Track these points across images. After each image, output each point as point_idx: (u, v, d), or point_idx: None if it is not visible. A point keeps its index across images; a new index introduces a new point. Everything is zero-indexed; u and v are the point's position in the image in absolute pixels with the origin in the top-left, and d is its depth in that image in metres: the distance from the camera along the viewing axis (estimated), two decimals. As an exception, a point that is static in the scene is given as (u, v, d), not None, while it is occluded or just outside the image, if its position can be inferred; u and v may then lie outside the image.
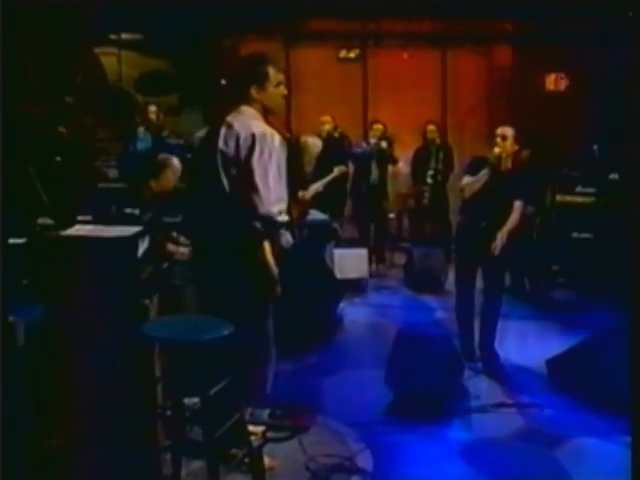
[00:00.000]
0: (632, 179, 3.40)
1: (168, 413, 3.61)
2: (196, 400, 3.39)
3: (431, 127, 9.75)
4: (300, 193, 4.11)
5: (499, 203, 5.51)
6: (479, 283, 5.75)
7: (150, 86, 8.75)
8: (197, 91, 9.56)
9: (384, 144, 9.26)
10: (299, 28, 11.07)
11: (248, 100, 3.81)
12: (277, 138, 3.66)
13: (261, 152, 3.61)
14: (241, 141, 3.65)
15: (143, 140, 8.10)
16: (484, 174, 5.44)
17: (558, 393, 5.12)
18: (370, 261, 9.03)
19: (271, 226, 3.63)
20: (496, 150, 5.47)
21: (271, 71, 3.81)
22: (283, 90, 3.89)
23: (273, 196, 3.59)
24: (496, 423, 4.70)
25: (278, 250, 3.72)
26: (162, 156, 5.26)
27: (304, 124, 9.20)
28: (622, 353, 4.66)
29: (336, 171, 5.01)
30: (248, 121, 3.73)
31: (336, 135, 9.50)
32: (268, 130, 3.69)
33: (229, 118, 3.80)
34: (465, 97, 11.09)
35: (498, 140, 5.49)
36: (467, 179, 5.61)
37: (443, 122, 10.86)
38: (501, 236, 5.41)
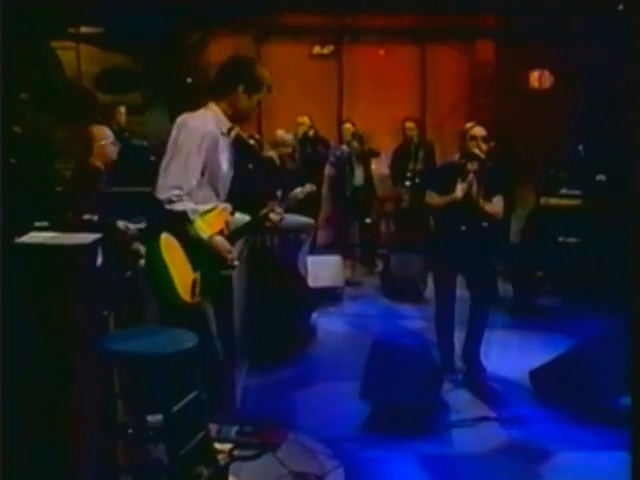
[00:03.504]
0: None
1: (129, 431, 3.59)
2: (159, 417, 3.38)
3: (409, 124, 9.74)
4: (278, 209, 4.13)
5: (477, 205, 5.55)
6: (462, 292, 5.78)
7: (112, 83, 8.71)
8: (162, 89, 9.53)
9: (355, 143, 9.33)
10: (270, 23, 11.06)
11: (224, 97, 3.90)
12: (200, 130, 3.74)
13: (175, 138, 3.75)
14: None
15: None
16: (453, 197, 5.49)
17: (543, 406, 5.14)
18: (353, 267, 9.10)
19: (167, 213, 3.64)
20: (476, 151, 5.53)
21: (266, 84, 3.95)
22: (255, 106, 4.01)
23: (168, 182, 3.65)
24: (478, 438, 4.71)
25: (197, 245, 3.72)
26: (81, 130, 5.29)
27: (276, 124, 9.18)
28: (610, 363, 4.72)
29: (307, 187, 5.08)
30: (193, 113, 3.86)
31: (311, 136, 9.55)
32: (195, 121, 3.79)
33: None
34: (445, 95, 11.16)
35: (475, 143, 5.55)
36: (434, 197, 5.66)
37: (422, 120, 10.89)
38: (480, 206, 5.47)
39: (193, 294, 3.72)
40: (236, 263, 3.90)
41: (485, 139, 5.56)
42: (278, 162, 7.55)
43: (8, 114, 3.60)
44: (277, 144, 7.77)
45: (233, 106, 3.89)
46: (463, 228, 5.49)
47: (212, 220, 3.76)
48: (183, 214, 3.61)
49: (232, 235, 3.92)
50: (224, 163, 3.89)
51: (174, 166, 3.67)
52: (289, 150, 7.85)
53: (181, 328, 3.51)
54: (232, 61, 4.06)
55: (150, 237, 3.71)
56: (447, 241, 5.62)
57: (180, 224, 3.62)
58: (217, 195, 3.90)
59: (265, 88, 3.94)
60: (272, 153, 7.55)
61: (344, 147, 9.55)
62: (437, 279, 5.87)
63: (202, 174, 3.76)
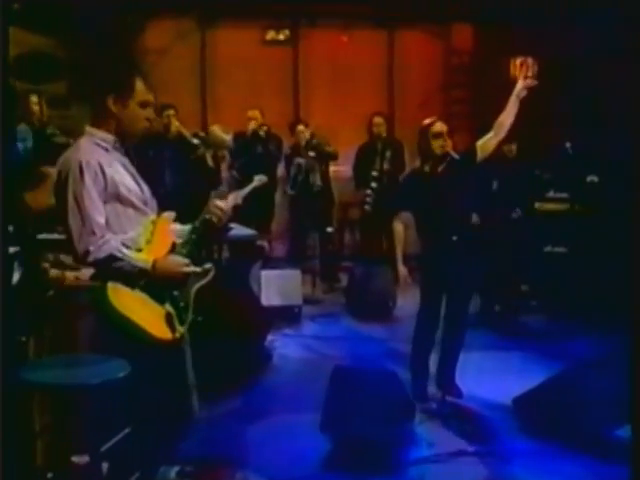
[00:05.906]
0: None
1: (49, 476, 3.55)
2: (86, 458, 3.35)
3: (378, 119, 9.73)
4: (219, 202, 3.99)
5: (468, 210, 5.61)
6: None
7: (30, 70, 8.60)
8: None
9: (311, 154, 9.34)
10: (217, 4, 11.05)
11: (99, 118, 3.71)
12: (75, 164, 3.54)
13: (57, 186, 3.61)
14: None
15: (24, 139, 7.95)
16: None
17: (528, 437, 5.16)
18: (313, 283, 9.12)
19: (95, 265, 3.54)
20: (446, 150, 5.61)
21: (139, 85, 3.72)
22: (150, 113, 3.79)
23: (76, 235, 3.51)
24: (454, 475, 4.71)
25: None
26: (44, 168, 5.14)
27: (223, 120, 9.15)
28: (605, 389, 4.76)
29: (255, 181, 4.98)
30: (66, 151, 3.70)
31: (262, 134, 9.51)
32: (67, 157, 3.62)
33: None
34: (416, 87, 11.25)
35: (441, 141, 5.62)
36: (400, 229, 5.85)
37: (391, 115, 10.92)
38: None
39: (173, 328, 3.63)
40: (208, 266, 3.77)
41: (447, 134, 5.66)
42: (211, 163, 7.15)
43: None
44: (211, 143, 7.26)
45: (115, 123, 3.69)
46: (454, 238, 5.53)
47: (154, 240, 3.64)
48: (110, 257, 3.48)
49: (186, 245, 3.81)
50: (126, 179, 3.70)
51: (71, 215, 3.51)
52: (224, 153, 7.43)
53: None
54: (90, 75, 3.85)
55: (95, 295, 3.58)
56: (437, 253, 5.65)
57: (115, 268, 3.51)
58: (144, 212, 3.74)
59: (139, 87, 3.70)
60: (204, 151, 7.12)
61: (300, 160, 9.52)
62: (424, 295, 5.86)
63: (107, 203, 3.58)
